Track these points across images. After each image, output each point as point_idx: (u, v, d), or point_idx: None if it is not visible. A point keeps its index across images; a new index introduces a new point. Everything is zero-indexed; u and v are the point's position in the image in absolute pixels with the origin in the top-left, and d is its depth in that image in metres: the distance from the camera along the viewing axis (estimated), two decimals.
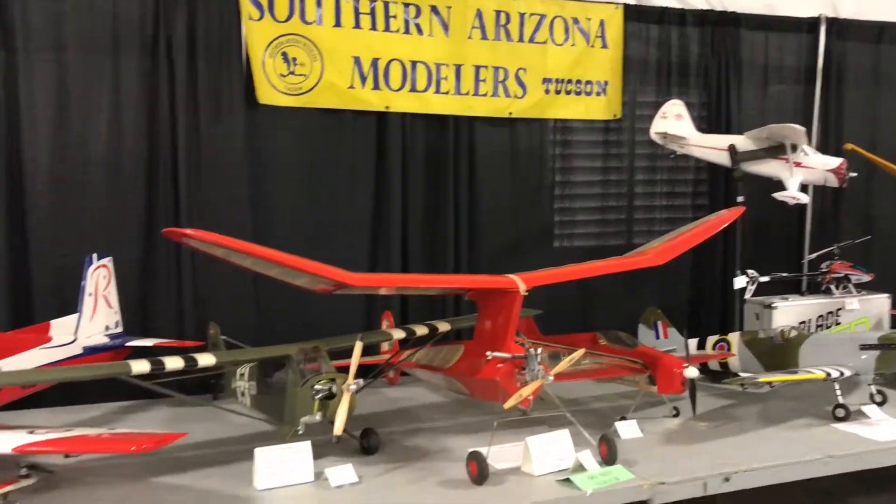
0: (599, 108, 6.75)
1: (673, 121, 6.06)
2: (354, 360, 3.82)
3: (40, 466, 3.70)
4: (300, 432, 3.96)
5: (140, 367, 3.76)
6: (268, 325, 5.76)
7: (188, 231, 3.54)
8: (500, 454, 3.97)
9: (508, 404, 3.80)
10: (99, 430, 3.68)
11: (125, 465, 4.09)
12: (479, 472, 3.75)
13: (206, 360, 4.00)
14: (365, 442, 4.23)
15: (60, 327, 4.72)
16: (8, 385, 4.02)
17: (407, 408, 5.24)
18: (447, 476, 3.89)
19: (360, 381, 3.87)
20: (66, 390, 5.05)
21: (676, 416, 4.90)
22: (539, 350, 3.91)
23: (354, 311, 6.00)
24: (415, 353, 5.01)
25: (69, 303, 5.01)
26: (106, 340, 4.94)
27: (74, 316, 4.83)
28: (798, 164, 5.84)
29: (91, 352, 4.77)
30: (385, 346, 5.56)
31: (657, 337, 5.71)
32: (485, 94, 6.30)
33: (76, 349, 4.70)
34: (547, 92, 6.53)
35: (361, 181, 6.12)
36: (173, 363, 3.86)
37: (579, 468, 3.83)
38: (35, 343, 4.47)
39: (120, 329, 5.14)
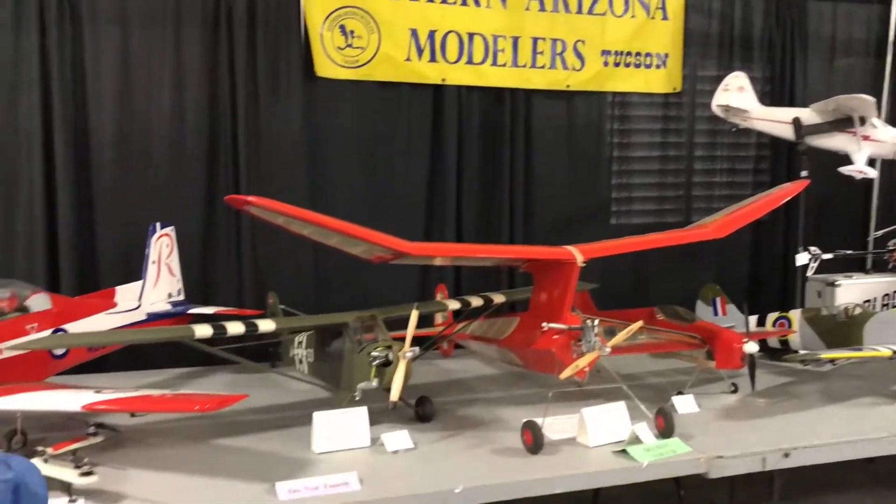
0: (659, 81, 6.65)
1: (735, 93, 5.93)
2: (411, 329, 3.85)
3: (107, 425, 3.82)
4: (357, 398, 4.01)
5: (203, 330, 3.84)
6: (324, 295, 5.84)
7: (250, 198, 3.58)
8: (554, 425, 3.96)
9: (564, 375, 3.79)
10: (163, 392, 3.77)
11: (187, 427, 4.19)
12: (534, 441, 3.75)
13: (266, 325, 4.07)
14: (420, 410, 4.27)
15: (125, 293, 4.85)
16: (79, 346, 4.16)
17: (461, 379, 5.26)
18: (501, 445, 3.90)
19: (417, 349, 3.89)
20: (129, 356, 5.20)
21: (734, 392, 4.83)
22: (596, 321, 3.88)
23: (409, 283, 6.04)
24: (469, 325, 5.03)
25: (133, 271, 5.16)
26: (169, 307, 5.07)
27: (139, 283, 4.96)
28: (866, 138, 5.67)
29: (154, 318, 4.90)
30: (439, 319, 5.60)
31: (715, 314, 5.62)
32: (542, 67, 6.26)
33: (140, 315, 4.83)
34: (605, 64, 6.45)
35: (417, 154, 6.14)
36: (235, 328, 3.94)
37: (635, 440, 3.80)
38: (101, 308, 4.61)
39: (182, 297, 5.26)
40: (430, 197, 6.25)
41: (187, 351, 5.44)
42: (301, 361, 4.73)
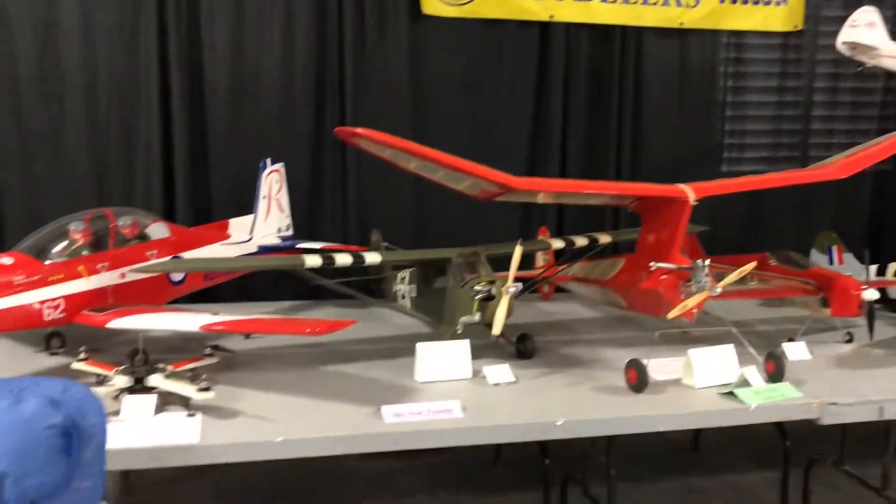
0: (779, 18, 6.31)
1: (864, 29, 5.55)
2: (514, 264, 3.83)
3: (222, 347, 4.00)
4: (458, 332, 4.05)
5: (313, 260, 3.95)
6: (425, 235, 5.90)
7: (358, 130, 3.62)
8: (659, 366, 3.90)
9: (672, 314, 3.71)
10: (275, 316, 3.89)
11: (295, 354, 4.35)
12: (639, 379, 3.70)
13: (372, 258, 4.15)
14: (521, 346, 4.27)
15: (238, 226, 5.03)
16: (197, 270, 4.36)
17: (562, 321, 5.24)
18: (604, 383, 3.87)
19: (519, 285, 3.88)
20: (239, 288, 5.41)
21: (849, 341, 4.62)
22: (707, 261, 3.77)
23: (509, 226, 6.01)
24: (571, 267, 4.99)
25: (243, 206, 5.35)
26: (278, 241, 5.23)
27: (250, 216, 5.13)
28: None
29: (265, 251, 5.07)
30: (540, 262, 5.58)
31: (831, 262, 5.38)
32: (654, 3, 6.03)
33: (251, 248, 5.00)
34: (722, 1, 6.15)
35: (522, 94, 6.07)
36: (343, 259, 4.03)
37: (744, 383, 3.70)
38: (216, 239, 4.80)
39: (290, 232, 5.42)
40: (534, 140, 6.18)
41: (295, 284, 5.68)
42: (404, 297, 4.81)
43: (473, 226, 5.81)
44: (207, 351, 3.87)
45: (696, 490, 5.25)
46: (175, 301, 4.54)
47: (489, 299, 3.89)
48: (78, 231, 3.93)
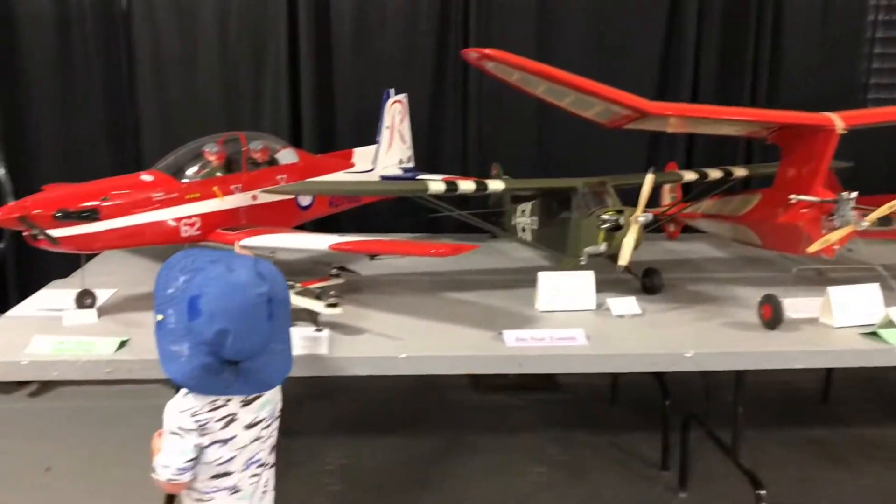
0: None
1: None
2: (644, 193, 3.70)
3: (348, 268, 4.07)
4: (582, 263, 3.96)
5: (436, 186, 3.93)
6: (547, 169, 5.80)
7: (488, 51, 3.54)
8: (795, 305, 3.70)
9: (812, 249, 3.51)
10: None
11: (415, 280, 4.40)
12: (773, 316, 3.53)
13: (495, 185, 4.09)
14: (647, 281, 4.15)
15: (362, 155, 5.08)
16: (325, 193, 4.46)
17: (689, 259, 5.06)
18: (735, 319, 3.72)
19: (649, 215, 3.75)
20: (359, 220, 5.49)
21: None
22: (854, 194, 3.53)
23: (636, 160, 5.84)
24: (700, 203, 4.79)
25: (366, 137, 5.39)
26: (399, 173, 5.25)
27: (373, 146, 5.16)
28: None
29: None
30: (666, 199, 5.40)
31: None
32: None
33: (374, 177, 5.05)
34: None
35: (653, 21, 5.81)
36: (465, 186, 4.00)
37: (888, 324, 3.47)
38: (340, 167, 4.86)
39: (412, 164, 5.43)
40: (663, 79, 5.93)
41: (412, 217, 5.73)
42: (524, 229, 4.76)
43: (597, 161, 5.65)
44: (333, 272, 3.95)
45: (823, 442, 5.05)
46: (300, 227, 4.64)
47: (616, 229, 3.79)
48: (213, 153, 4.05)
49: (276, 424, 2.56)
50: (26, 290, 5.71)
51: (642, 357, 3.30)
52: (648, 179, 3.72)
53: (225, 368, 2.30)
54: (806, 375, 5.01)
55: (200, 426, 2.33)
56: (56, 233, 3.39)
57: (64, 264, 5.42)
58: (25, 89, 5.59)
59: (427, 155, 5.73)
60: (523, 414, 5.58)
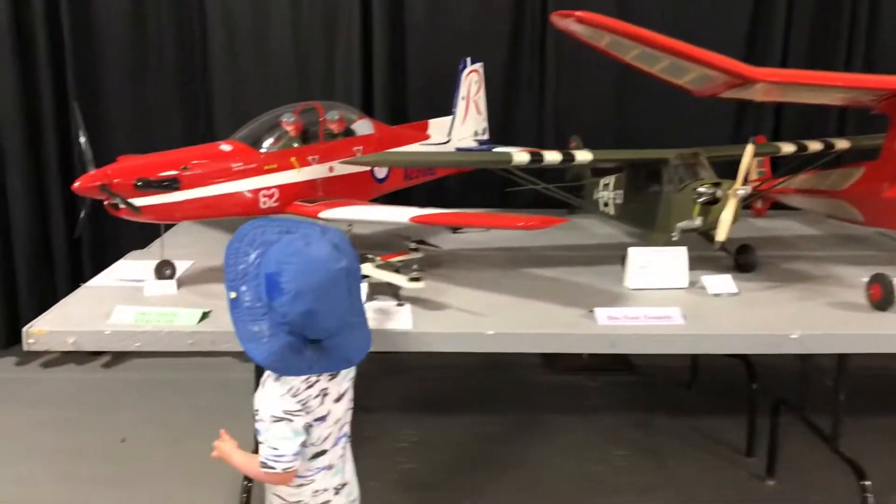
0: None
1: None
2: (744, 164, 3.48)
3: (428, 242, 3.94)
4: (674, 238, 3.77)
5: (520, 157, 3.77)
6: (626, 143, 5.58)
7: (580, 13, 3.35)
8: None
9: None
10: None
11: (495, 256, 4.26)
12: (884, 296, 3.29)
13: (582, 156, 3.91)
14: (741, 258, 3.94)
15: (437, 127, 4.94)
16: (410, 165, 4.38)
17: (781, 236, 4.81)
18: (839, 299, 3.48)
19: (748, 188, 3.53)
20: (433, 194, 5.35)
21: None
22: None
23: (721, 133, 5.62)
24: (794, 178, 4.53)
25: (438, 107, 5.25)
26: (475, 145, 5.10)
27: (449, 118, 5.02)
28: None
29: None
30: (754, 175, 5.13)
31: None
32: None
33: (449, 149, 4.90)
34: None
35: None
36: (552, 157, 3.83)
37: None
38: (416, 139, 4.73)
39: (487, 136, 5.27)
40: (750, 53, 5.64)
41: (485, 193, 5.59)
42: (606, 204, 4.57)
43: (679, 135, 5.35)
44: (412, 245, 3.83)
45: None
46: (375, 200, 4.53)
47: (713, 203, 3.58)
48: (290, 123, 3.95)
49: (352, 392, 2.49)
50: (99, 260, 5.78)
51: (744, 338, 3.12)
52: (749, 150, 3.49)
53: (307, 347, 2.21)
54: None
55: (303, 405, 2.25)
56: (137, 202, 3.33)
57: (137, 235, 5.47)
58: (99, 60, 5.59)
59: (500, 127, 5.57)
60: (598, 396, 5.43)
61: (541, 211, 5.16)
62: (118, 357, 5.97)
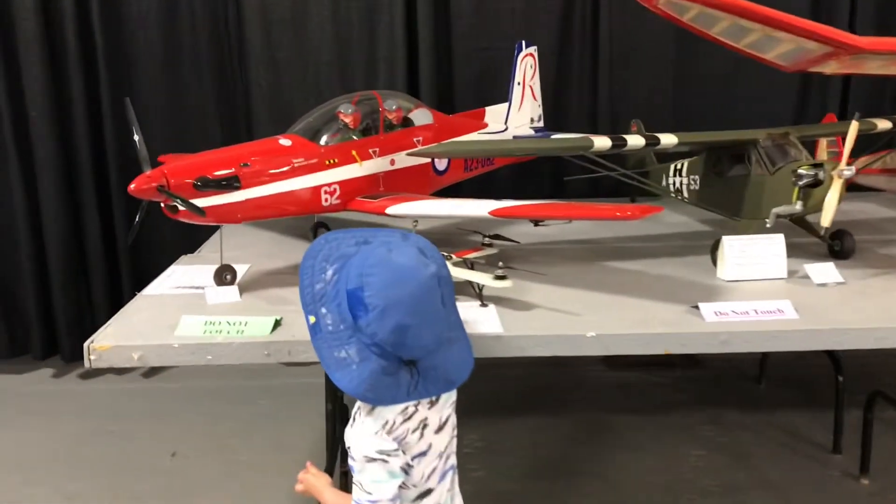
0: None
1: None
2: (850, 141, 3.22)
3: (504, 237, 3.68)
4: (768, 226, 3.51)
5: (601, 142, 3.50)
6: (686, 122, 5.31)
7: None
8: None
9: None
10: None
11: (569, 250, 4.00)
12: None
13: (668, 140, 3.63)
14: (836, 244, 3.68)
15: (494, 115, 4.68)
16: (484, 155, 4.13)
17: (867, 220, 4.51)
18: None
19: (853, 168, 3.26)
20: (480, 187, 5.06)
21: None
22: None
23: (783, 114, 5.35)
24: (878, 158, 4.27)
25: (485, 95, 5.04)
26: (531, 133, 4.84)
27: (504, 105, 4.76)
28: None
29: None
30: (823, 155, 4.86)
31: None
32: None
33: (507, 137, 4.64)
34: None
35: None
36: (635, 141, 3.56)
37: None
38: (474, 128, 4.47)
39: (541, 123, 5.01)
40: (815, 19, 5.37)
41: (535, 184, 5.34)
42: (679, 190, 4.30)
43: (740, 118, 5.17)
44: (486, 240, 3.57)
45: None
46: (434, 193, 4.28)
47: (814, 185, 3.31)
48: (348, 114, 3.70)
49: (455, 419, 2.16)
50: (135, 265, 5.55)
51: (869, 332, 2.84)
52: (853, 127, 3.23)
53: (402, 369, 1.92)
54: None
55: (401, 442, 1.96)
56: (199, 203, 3.08)
57: (172, 238, 5.26)
58: (131, 57, 5.36)
59: (551, 113, 5.29)
60: (664, 392, 5.19)
61: (604, 200, 4.92)
62: (158, 366, 5.74)
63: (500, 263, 3.08)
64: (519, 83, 4.76)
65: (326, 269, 1.98)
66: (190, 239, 4.33)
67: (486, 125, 4.55)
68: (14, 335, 5.73)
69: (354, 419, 2.02)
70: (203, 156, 3.33)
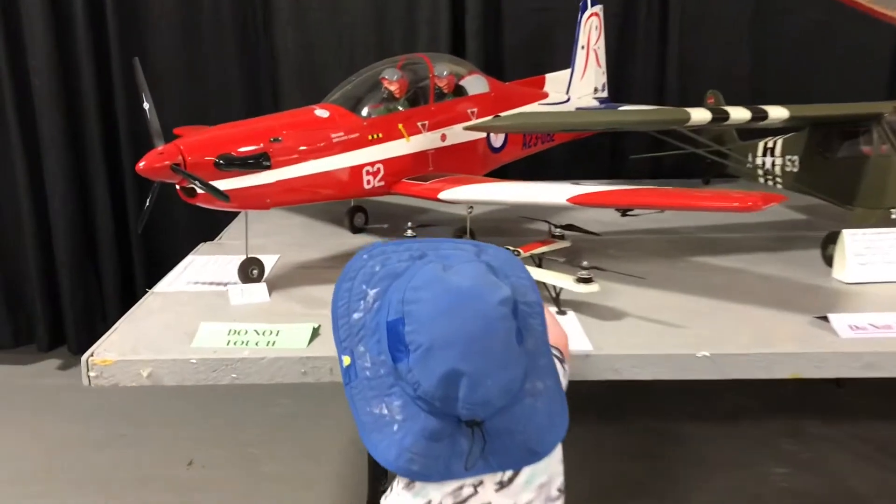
0: None
1: None
2: None
3: (579, 228, 3.12)
4: (894, 217, 2.94)
5: (700, 115, 2.93)
6: (762, 99, 4.73)
7: None
8: None
9: None
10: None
11: (647, 242, 3.48)
12: None
13: (777, 113, 3.05)
14: None
15: (554, 83, 4.13)
16: (559, 130, 3.62)
17: None
18: None
19: None
20: (528, 169, 4.52)
21: None
22: None
23: (873, 86, 4.82)
24: None
25: (539, 63, 4.54)
26: (595, 104, 4.27)
27: (565, 71, 4.19)
28: None
29: None
30: None
31: None
32: None
33: (570, 108, 4.08)
34: None
35: None
36: (738, 114, 2.99)
37: None
38: (535, 98, 3.93)
39: (606, 94, 4.44)
40: None
41: (589, 166, 4.79)
42: (770, 172, 3.72)
43: (823, 90, 4.57)
44: (557, 232, 3.02)
45: None
46: (490, 173, 3.74)
47: None
48: (393, 81, 3.16)
49: None
50: (149, 251, 5.05)
51: None
52: None
53: (460, 432, 1.36)
54: None
55: None
56: (221, 185, 2.55)
57: (185, 222, 4.75)
58: (143, 17, 4.84)
59: (615, 83, 4.72)
60: (732, 399, 4.63)
61: (658, 182, 4.36)
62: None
63: (585, 263, 2.53)
64: (583, 47, 4.19)
65: (367, 291, 1.43)
66: (210, 220, 3.81)
67: (546, 95, 3.99)
68: (18, 324, 5.26)
69: (391, 489, 1.47)
70: (225, 129, 2.81)
